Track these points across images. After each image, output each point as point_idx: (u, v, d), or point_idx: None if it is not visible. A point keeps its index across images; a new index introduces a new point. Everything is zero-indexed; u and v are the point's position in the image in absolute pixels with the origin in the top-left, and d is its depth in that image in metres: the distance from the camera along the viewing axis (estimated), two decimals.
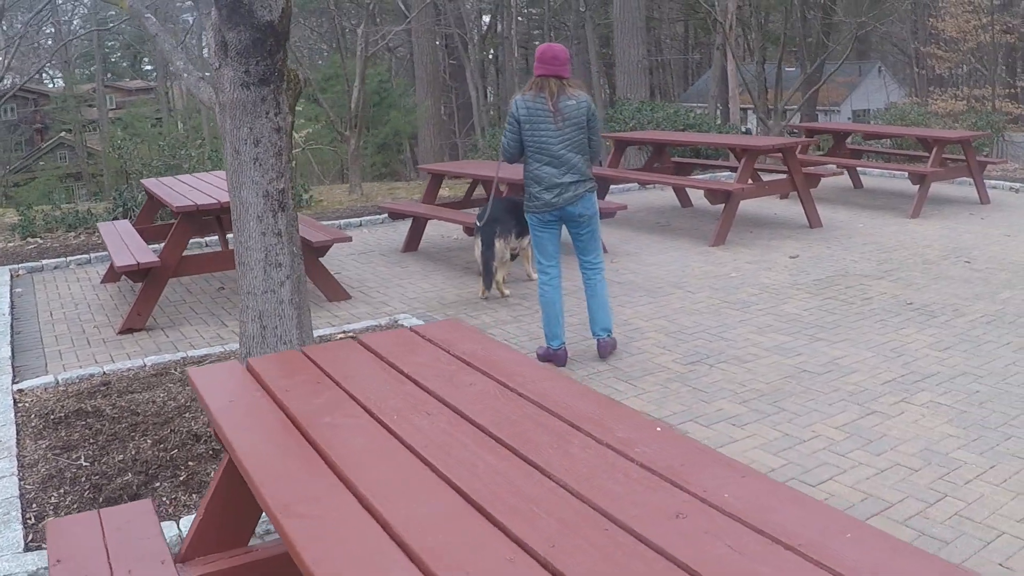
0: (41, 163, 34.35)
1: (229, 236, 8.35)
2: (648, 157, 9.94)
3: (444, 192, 10.07)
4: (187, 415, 4.48)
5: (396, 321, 5.98)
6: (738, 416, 4.30)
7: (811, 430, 4.12)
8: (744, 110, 19.00)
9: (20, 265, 8.11)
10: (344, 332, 5.69)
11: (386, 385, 2.45)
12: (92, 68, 40.22)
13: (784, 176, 8.50)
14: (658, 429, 2.05)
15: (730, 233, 8.27)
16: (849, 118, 31.54)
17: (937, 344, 5.22)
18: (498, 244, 6.37)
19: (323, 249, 6.75)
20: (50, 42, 38.90)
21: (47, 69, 40.09)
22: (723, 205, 7.97)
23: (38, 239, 9.65)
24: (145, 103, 39.00)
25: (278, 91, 4.25)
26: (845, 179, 10.90)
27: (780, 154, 8.41)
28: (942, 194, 9.99)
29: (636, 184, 10.17)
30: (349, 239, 6.63)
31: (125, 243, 6.57)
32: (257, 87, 4.20)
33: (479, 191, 8.83)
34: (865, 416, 4.25)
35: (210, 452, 4.07)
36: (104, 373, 5.18)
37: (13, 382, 5.08)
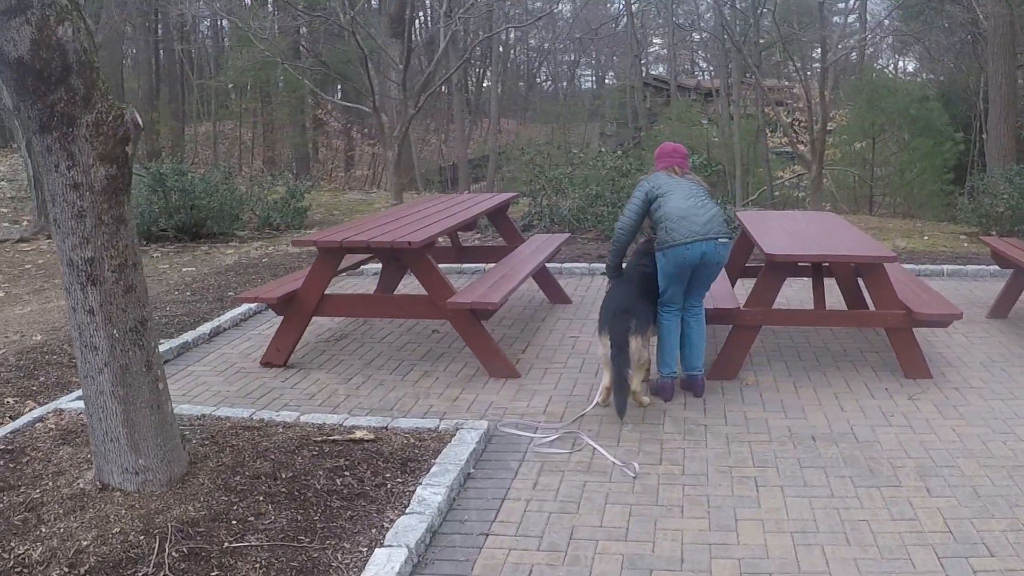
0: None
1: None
2: None
3: None
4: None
5: (457, 427, 4.33)
6: None
7: None
8: None
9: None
10: (353, 432, 4.23)
11: None
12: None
13: None
14: None
15: None
16: None
17: None
18: (633, 344, 4.55)
19: (485, 312, 5.28)
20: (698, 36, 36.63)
21: (698, 63, 38.89)
22: None
23: None
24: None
25: (67, 139, 3.15)
26: None
27: None
28: None
29: None
30: (497, 305, 4.99)
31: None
32: (40, 135, 3.19)
33: None
34: None
35: None
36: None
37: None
